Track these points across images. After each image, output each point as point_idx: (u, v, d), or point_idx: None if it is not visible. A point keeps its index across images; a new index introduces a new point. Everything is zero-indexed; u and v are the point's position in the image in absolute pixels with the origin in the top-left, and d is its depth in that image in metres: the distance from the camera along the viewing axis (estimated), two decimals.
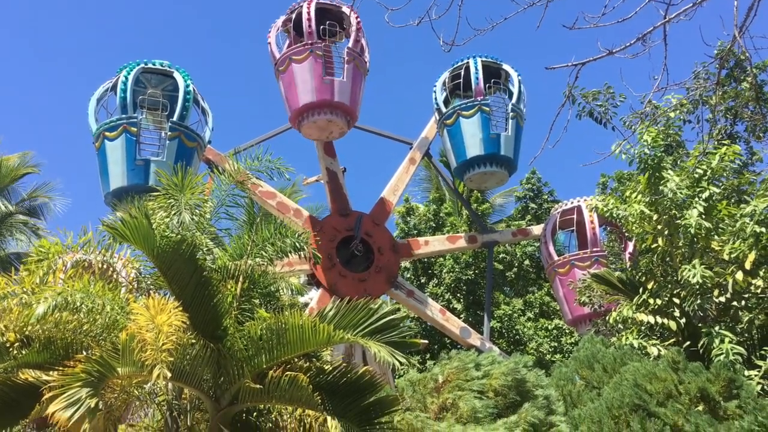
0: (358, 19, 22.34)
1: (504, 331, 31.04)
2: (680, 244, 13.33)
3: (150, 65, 20.98)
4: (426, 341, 27.41)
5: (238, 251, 11.29)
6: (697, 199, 13.08)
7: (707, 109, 14.72)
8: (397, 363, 8.97)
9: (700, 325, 12.98)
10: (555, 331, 31.06)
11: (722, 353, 11.44)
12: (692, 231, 12.70)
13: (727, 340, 11.71)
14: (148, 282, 11.32)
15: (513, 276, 33.40)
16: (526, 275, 33.77)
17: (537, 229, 26.64)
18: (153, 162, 19.26)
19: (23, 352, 10.02)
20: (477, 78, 24.12)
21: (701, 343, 12.18)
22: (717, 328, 12.13)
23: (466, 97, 24.45)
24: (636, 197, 13.84)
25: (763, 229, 12.04)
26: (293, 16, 22.47)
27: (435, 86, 25.45)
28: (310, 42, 21.37)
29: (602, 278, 15.14)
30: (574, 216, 24.21)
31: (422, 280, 32.89)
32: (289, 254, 11.58)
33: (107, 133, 19.76)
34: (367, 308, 9.50)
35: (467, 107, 23.98)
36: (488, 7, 6.25)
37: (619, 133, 12.85)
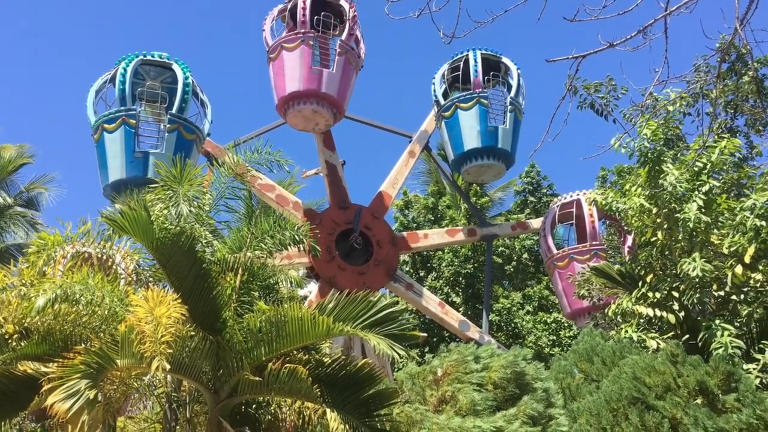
0: (355, 12, 22.22)
1: (503, 324, 31.09)
2: (679, 237, 13.33)
3: (149, 57, 20.90)
4: (425, 334, 27.48)
5: (237, 243, 11.28)
6: (696, 192, 13.06)
7: (708, 103, 14.69)
8: (396, 355, 8.98)
9: (699, 318, 12.99)
10: (554, 324, 31.12)
11: (721, 347, 11.45)
12: (691, 224, 12.69)
13: (726, 333, 11.72)
14: (147, 274, 11.31)
15: (512, 269, 33.45)
16: (525, 269, 33.82)
17: (536, 223, 26.65)
18: (152, 154, 19.22)
19: (22, 343, 10.01)
20: (476, 70, 24.07)
21: (700, 336, 12.19)
22: (717, 321, 12.13)
23: (465, 90, 24.39)
24: (635, 190, 13.83)
25: (763, 223, 12.03)
26: (290, 5, 22.36)
27: (434, 79, 25.40)
28: (302, 31, 21.25)
29: (601, 271, 15.15)
30: (574, 209, 24.20)
31: (421, 274, 32.92)
32: (288, 247, 11.57)
33: (106, 126, 19.70)
34: (367, 301, 9.51)
35: (466, 99, 23.93)
36: None
37: (620, 126, 12.81)
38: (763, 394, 10.21)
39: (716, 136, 14.28)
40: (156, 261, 9.97)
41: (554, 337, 30.79)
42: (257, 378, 9.44)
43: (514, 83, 24.44)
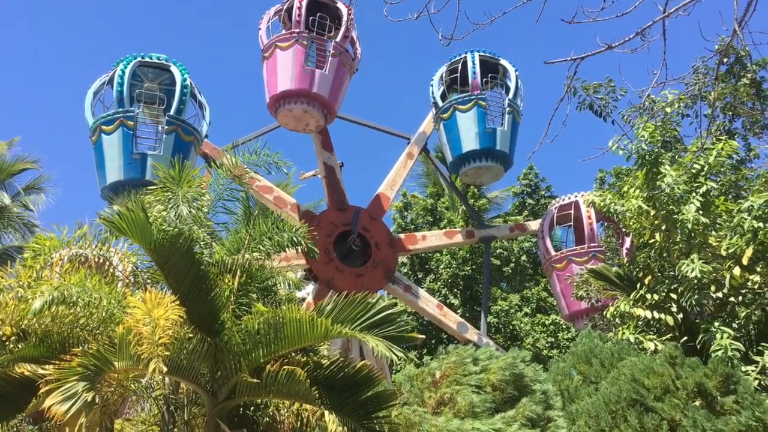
0: (351, 14, 22.22)
1: (501, 326, 31.08)
2: (677, 239, 13.33)
3: (147, 59, 20.89)
4: (423, 336, 27.40)
5: (235, 245, 11.26)
6: (694, 194, 13.08)
7: (706, 105, 14.72)
8: (394, 357, 8.96)
9: (697, 320, 12.99)
10: (552, 326, 31.11)
11: (720, 349, 11.45)
12: (689, 226, 12.71)
13: (725, 335, 11.72)
14: (145, 276, 11.29)
15: (510, 271, 33.44)
16: (523, 270, 33.81)
17: (534, 225, 26.65)
18: (150, 156, 19.20)
19: (20, 346, 9.98)
20: (474, 72, 24.10)
21: (699, 338, 12.19)
22: (715, 323, 12.14)
23: (463, 92, 24.42)
24: (633, 192, 13.84)
25: (761, 225, 12.05)
26: (286, 5, 22.36)
27: (432, 80, 25.42)
28: (297, 31, 21.25)
29: (599, 273, 15.15)
30: (572, 211, 24.22)
31: (419, 276, 32.91)
32: (287, 249, 11.55)
33: (104, 127, 19.68)
34: (365, 303, 9.49)
35: (464, 101, 23.95)
36: (487, 1, 6.23)
37: (618, 127, 12.85)
38: (761, 396, 10.21)
39: (714, 139, 14.31)
40: (154, 263, 9.94)
41: (552, 339, 30.77)
42: (255, 380, 9.42)
43: (512, 85, 24.48)
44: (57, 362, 8.94)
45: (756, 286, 12.61)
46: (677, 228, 13.21)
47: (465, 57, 24.62)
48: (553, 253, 24.22)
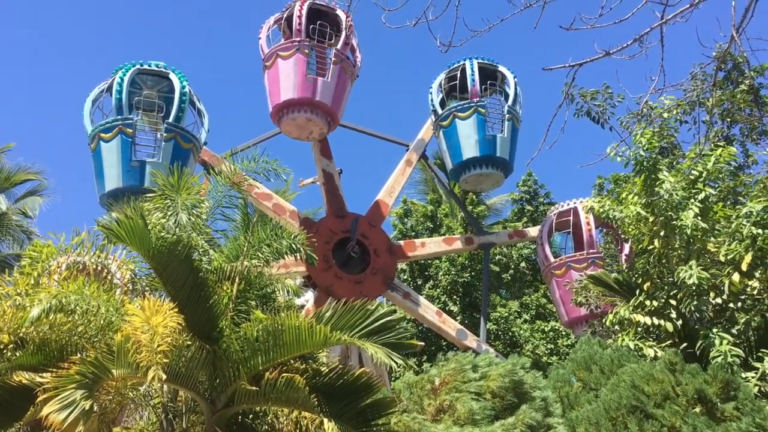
0: (350, 22, 22.30)
1: (500, 333, 31.03)
2: (676, 245, 13.33)
3: (146, 66, 20.93)
4: (422, 343, 27.39)
5: (234, 252, 11.25)
6: (692, 200, 13.08)
7: (704, 111, 14.74)
8: (393, 365, 8.94)
9: (696, 326, 12.97)
10: (551, 333, 31.06)
11: (720, 355, 11.43)
12: (688, 232, 12.70)
13: (725, 342, 11.70)
14: (144, 283, 11.27)
15: (509, 278, 33.41)
16: (522, 277, 33.79)
17: (533, 231, 26.65)
18: (148, 163, 19.22)
19: (17, 354, 9.95)
20: (473, 79, 24.13)
21: (698, 344, 12.17)
22: (714, 330, 12.12)
23: (462, 99, 24.45)
24: (632, 199, 13.84)
25: (760, 231, 12.05)
26: (286, 14, 22.43)
27: (431, 88, 25.46)
28: (297, 39, 21.30)
29: (599, 280, 15.14)
30: (571, 218, 24.21)
31: (418, 282, 32.88)
32: (285, 256, 11.54)
33: (103, 135, 19.71)
34: (364, 310, 9.47)
35: (463, 109, 23.99)
36: (485, 8, 6.24)
37: (616, 134, 12.87)
38: (762, 403, 10.18)
39: (712, 145, 14.32)
40: (152, 270, 9.92)
41: (552, 346, 30.72)
42: (254, 388, 9.38)
43: (511, 92, 24.52)
44: (55, 370, 8.90)
45: (755, 292, 12.59)
46: (676, 234, 13.21)
47: (463, 64, 24.66)
48: (552, 259, 24.20)
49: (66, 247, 10.63)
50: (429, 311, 24.01)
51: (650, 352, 12.64)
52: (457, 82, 24.60)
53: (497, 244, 28.14)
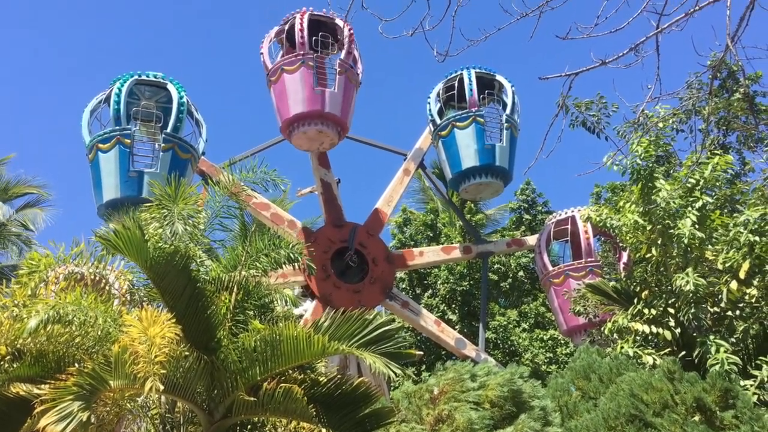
0: (351, 31, 22.43)
1: (499, 342, 30.97)
2: (674, 253, 13.33)
3: (144, 77, 20.98)
4: (421, 352, 27.35)
5: (232, 262, 11.24)
6: (690, 208, 13.10)
7: (700, 119, 14.78)
8: (392, 374, 8.92)
9: (695, 334, 12.96)
10: (550, 341, 31.02)
11: (717, 363, 11.41)
12: (686, 240, 12.71)
13: (722, 349, 11.68)
14: (141, 294, 11.25)
15: (508, 287, 33.38)
16: (520, 286, 33.76)
17: (531, 240, 26.65)
18: (146, 173, 19.24)
19: (14, 365, 9.91)
20: (471, 89, 24.21)
21: (696, 352, 12.16)
22: (712, 337, 12.10)
23: (461, 108, 24.52)
24: (629, 207, 13.85)
25: (757, 238, 12.05)
26: (287, 27, 22.54)
27: (429, 97, 25.53)
28: (302, 53, 21.43)
29: (597, 288, 15.12)
30: (569, 226, 24.24)
31: (417, 291, 32.84)
32: (284, 265, 11.53)
33: (100, 145, 19.74)
34: (362, 319, 9.45)
35: (462, 118, 24.05)
36: (481, 17, 6.27)
37: (612, 143, 12.90)
38: (760, 411, 10.16)
39: (709, 153, 14.35)
40: (150, 280, 9.91)
41: (551, 355, 30.67)
42: (252, 398, 9.35)
43: (509, 101, 24.59)
44: (52, 382, 8.86)
45: (753, 300, 12.58)
46: (674, 242, 13.21)
47: (461, 74, 24.74)
48: (550, 268, 24.21)
49: (64, 258, 10.61)
50: (428, 320, 23.98)
51: (649, 360, 12.61)
52: (455, 91, 24.68)
53: (495, 252, 28.14)
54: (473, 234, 28.53)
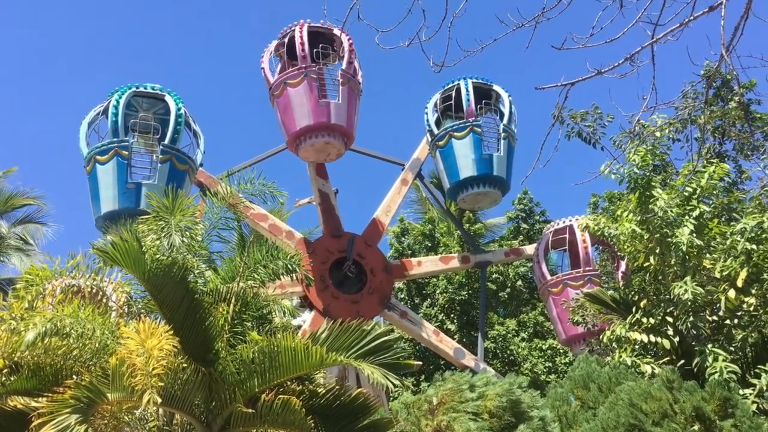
0: (351, 41, 22.54)
1: (498, 351, 30.90)
2: (672, 262, 13.33)
3: (141, 89, 21.03)
4: (420, 363, 27.23)
5: (229, 274, 11.23)
6: (687, 217, 13.11)
7: (696, 128, 14.82)
8: (390, 385, 8.90)
9: (693, 343, 12.94)
10: (549, 351, 30.95)
11: (716, 371, 11.39)
12: (684, 249, 12.71)
13: (720, 358, 11.67)
14: (139, 306, 11.23)
15: (506, 296, 33.34)
16: (519, 295, 33.72)
17: (530, 249, 26.66)
18: (144, 185, 19.25)
19: (12, 378, 9.88)
20: (468, 99, 24.28)
21: (695, 361, 12.14)
22: (710, 346, 12.09)
23: (458, 119, 24.58)
24: (627, 216, 13.86)
25: (755, 247, 12.06)
26: (286, 40, 22.63)
27: (426, 108, 25.59)
28: (304, 66, 21.55)
29: (595, 297, 15.10)
30: (567, 235, 24.26)
31: (416, 301, 32.79)
32: (282, 276, 11.53)
33: (98, 157, 19.75)
34: (360, 330, 9.45)
35: (459, 128, 24.10)
36: (478, 28, 6.29)
37: (609, 153, 12.93)
38: (760, 420, 10.14)
39: (705, 162, 14.39)
40: (148, 292, 9.91)
41: (550, 364, 30.60)
42: (250, 410, 9.33)
43: (506, 110, 24.65)
44: (50, 395, 8.84)
45: (752, 309, 12.58)
46: (671, 251, 13.22)
47: (458, 84, 24.82)
48: (548, 277, 24.19)
49: (61, 270, 10.60)
50: (426, 330, 23.95)
51: (648, 369, 12.59)
52: (453, 101, 24.76)
53: (494, 262, 28.15)
54: (471, 243, 28.55)
